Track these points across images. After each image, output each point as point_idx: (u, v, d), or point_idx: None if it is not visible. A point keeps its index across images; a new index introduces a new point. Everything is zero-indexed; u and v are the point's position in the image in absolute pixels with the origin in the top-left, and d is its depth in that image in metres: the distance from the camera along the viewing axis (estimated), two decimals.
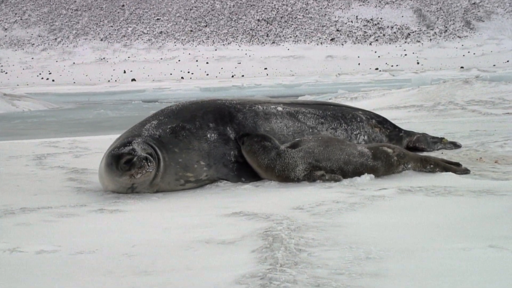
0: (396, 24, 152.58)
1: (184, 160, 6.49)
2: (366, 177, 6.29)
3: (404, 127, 8.74)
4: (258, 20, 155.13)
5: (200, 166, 6.55)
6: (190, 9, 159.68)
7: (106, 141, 9.85)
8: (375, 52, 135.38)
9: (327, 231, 4.22)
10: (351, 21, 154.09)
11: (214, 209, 5.30)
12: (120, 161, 6.12)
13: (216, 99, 7.35)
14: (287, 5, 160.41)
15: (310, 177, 6.27)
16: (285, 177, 6.32)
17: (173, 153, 6.45)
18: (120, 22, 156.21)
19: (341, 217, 4.67)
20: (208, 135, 6.66)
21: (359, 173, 6.35)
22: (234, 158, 6.69)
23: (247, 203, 5.47)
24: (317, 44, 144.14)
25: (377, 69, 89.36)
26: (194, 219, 4.90)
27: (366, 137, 7.68)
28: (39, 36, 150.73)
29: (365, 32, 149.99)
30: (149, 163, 6.09)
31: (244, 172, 6.63)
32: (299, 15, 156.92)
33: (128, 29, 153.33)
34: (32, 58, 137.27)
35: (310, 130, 7.27)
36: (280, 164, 6.32)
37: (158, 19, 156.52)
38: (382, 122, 8.02)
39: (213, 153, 6.62)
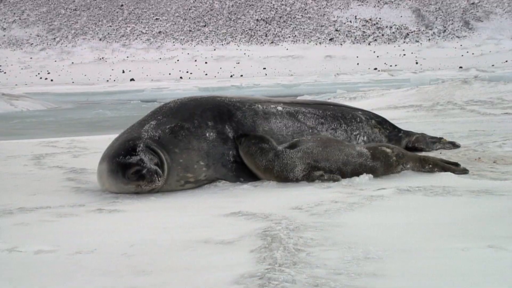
0: (395, 24, 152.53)
1: (184, 161, 6.46)
2: (365, 177, 6.29)
3: (403, 127, 8.74)
4: (257, 20, 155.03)
5: (200, 166, 6.53)
6: (189, 9, 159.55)
7: (105, 141, 9.82)
8: (374, 52, 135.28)
9: (326, 231, 4.21)
10: (350, 21, 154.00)
11: (212, 209, 5.29)
12: (127, 171, 6.10)
13: (215, 96, 7.30)
14: (285, 5, 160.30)
15: (309, 177, 6.26)
16: (284, 177, 6.31)
17: (174, 153, 6.42)
18: (119, 22, 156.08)
19: (340, 217, 4.66)
20: (207, 134, 6.63)
21: (358, 173, 6.34)
22: (233, 158, 6.67)
23: (245, 203, 5.47)
24: (316, 44, 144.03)
25: (376, 69, 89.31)
26: (193, 219, 4.89)
27: (365, 138, 7.67)
28: (38, 35, 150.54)
29: (364, 32, 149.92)
30: (159, 178, 6.10)
31: (243, 172, 6.61)
32: (298, 15, 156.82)
33: (127, 29, 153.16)
34: (31, 58, 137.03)
35: (310, 130, 7.25)
36: (278, 165, 6.31)
37: (157, 19, 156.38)
38: (382, 123, 8.01)
39: (212, 153, 6.59)
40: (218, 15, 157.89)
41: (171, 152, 6.42)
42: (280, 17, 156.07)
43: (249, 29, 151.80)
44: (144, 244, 4.12)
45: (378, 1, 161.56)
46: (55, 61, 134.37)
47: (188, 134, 6.58)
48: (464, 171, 6.48)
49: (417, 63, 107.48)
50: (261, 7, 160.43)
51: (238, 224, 4.64)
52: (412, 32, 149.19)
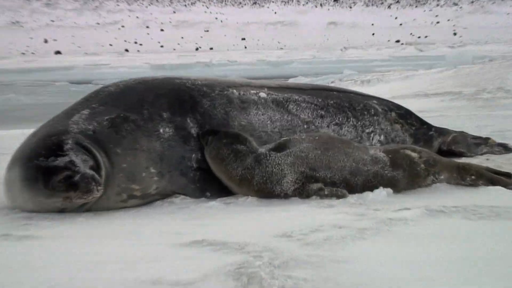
0: None
1: (129, 166, 6.43)
2: (382, 192, 6.28)
3: (435, 122, 8.74)
4: None
5: (150, 174, 6.51)
6: None
7: (17, 137, 9.74)
8: (396, 18, 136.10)
9: (325, 268, 4.18)
10: None
11: (165, 236, 5.24)
12: (53, 177, 5.97)
13: (174, 77, 7.31)
14: None
15: (302, 192, 6.24)
16: (268, 191, 6.28)
17: (115, 155, 6.39)
18: None
19: (345, 249, 4.64)
20: (161, 130, 6.63)
21: (371, 187, 6.34)
22: (196, 164, 6.66)
23: (213, 228, 5.43)
24: (315, 7, 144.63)
25: (398, 41, 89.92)
26: (137, 250, 4.85)
27: (382, 137, 7.67)
28: None
29: None
30: (98, 186, 6.00)
31: (210, 184, 6.60)
32: None
33: None
34: None
35: (305, 126, 7.28)
36: (260, 174, 6.29)
37: None
38: (405, 116, 8.02)
39: (167, 156, 6.58)
40: None
41: (110, 153, 6.38)
42: None
43: None
44: (67, 284, 4.06)
45: None
46: None
47: (135, 128, 6.55)
48: None
49: (455, 34, 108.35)
50: None
51: (202, 257, 4.60)
52: None
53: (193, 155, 6.65)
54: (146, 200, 6.56)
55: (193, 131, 6.73)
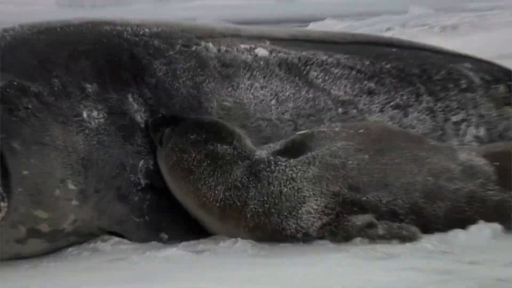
0: None
1: (34, 174, 6.35)
2: (483, 231, 6.19)
3: None
4: None
5: (66, 193, 6.42)
6: None
7: None
8: None
9: None
10: None
11: None
12: None
13: (101, 21, 7.23)
14: None
15: (337, 230, 6.11)
16: (272, 229, 6.18)
17: (10, 153, 6.31)
18: None
19: None
20: (84, 114, 6.58)
21: (463, 221, 6.24)
22: (145, 178, 6.62)
23: None
24: None
25: None
26: None
27: (482, 130, 7.55)
28: None
29: None
30: (1, 203, 5.95)
31: (168, 216, 6.50)
32: None
33: None
34: None
35: (340, 109, 7.22)
36: (258, 198, 6.18)
37: None
38: None
39: (95, 162, 6.51)
40: None
41: (2, 149, 6.26)
42: None
43: None
44: None
45: None
46: None
47: (41, 108, 6.49)
48: None
49: None
50: None
51: None
52: None
53: (141, 163, 6.63)
54: (56, 243, 6.53)
55: (139, 118, 6.68)
